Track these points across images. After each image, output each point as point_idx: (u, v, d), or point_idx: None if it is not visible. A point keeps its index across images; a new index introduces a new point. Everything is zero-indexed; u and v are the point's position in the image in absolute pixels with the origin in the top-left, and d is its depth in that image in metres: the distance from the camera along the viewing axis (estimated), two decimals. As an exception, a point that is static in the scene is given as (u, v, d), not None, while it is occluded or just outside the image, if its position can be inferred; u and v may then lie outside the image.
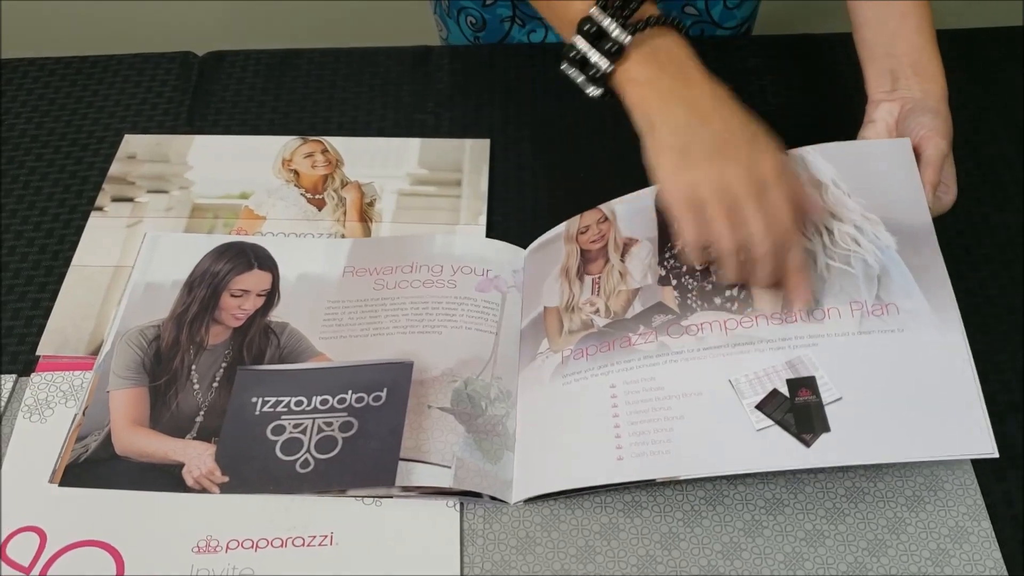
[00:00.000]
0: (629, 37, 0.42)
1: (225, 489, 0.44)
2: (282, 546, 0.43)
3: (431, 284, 0.52)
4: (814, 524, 0.44)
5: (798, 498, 0.45)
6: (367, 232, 0.57)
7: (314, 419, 0.46)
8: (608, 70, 0.42)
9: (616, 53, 0.42)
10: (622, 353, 0.46)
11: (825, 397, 0.41)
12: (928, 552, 0.43)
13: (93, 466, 0.45)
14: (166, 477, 0.45)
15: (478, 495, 0.44)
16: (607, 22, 0.41)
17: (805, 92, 0.64)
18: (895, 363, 0.42)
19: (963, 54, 0.65)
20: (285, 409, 0.47)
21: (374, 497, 0.44)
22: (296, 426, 0.46)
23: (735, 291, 0.45)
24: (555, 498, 0.45)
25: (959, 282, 0.52)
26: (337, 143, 0.62)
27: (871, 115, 0.51)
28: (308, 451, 0.45)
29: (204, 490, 0.44)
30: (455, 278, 0.52)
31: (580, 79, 0.43)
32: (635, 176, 0.59)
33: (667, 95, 0.41)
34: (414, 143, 0.62)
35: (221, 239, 0.55)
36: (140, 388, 0.48)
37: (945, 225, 0.50)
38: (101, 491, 0.44)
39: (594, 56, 0.42)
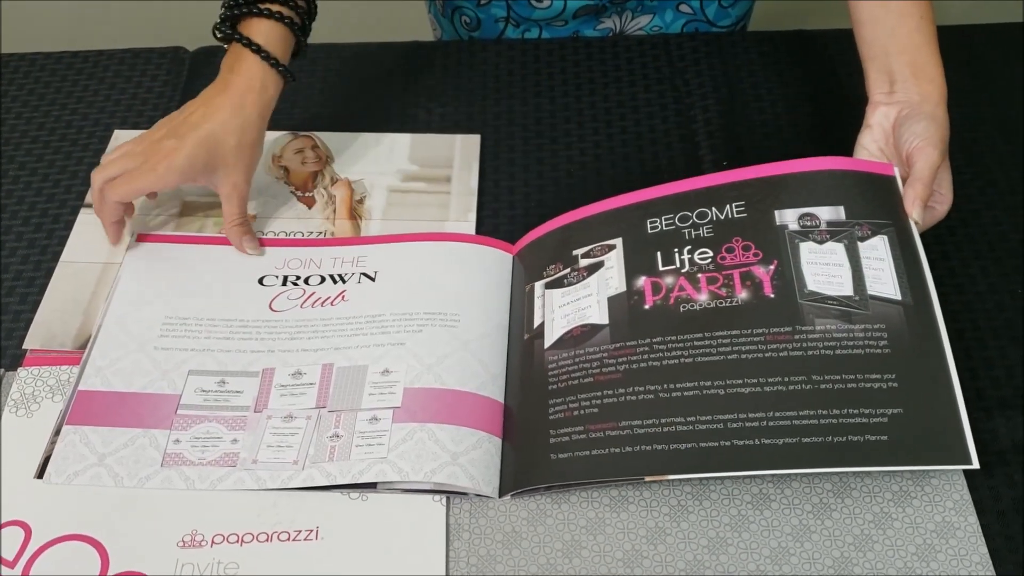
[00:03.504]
0: (220, 35, 0.53)
1: None
2: (267, 541, 0.43)
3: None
4: (800, 519, 0.44)
5: (784, 493, 0.45)
6: (356, 230, 0.57)
7: None
8: (224, 46, 0.54)
9: (224, 39, 0.53)
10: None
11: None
12: (914, 547, 0.43)
13: (79, 461, 0.45)
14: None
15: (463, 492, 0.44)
16: (221, 11, 0.53)
17: (800, 88, 0.64)
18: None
19: (960, 51, 0.65)
20: None
21: (360, 492, 0.44)
22: None
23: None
24: (541, 493, 0.45)
25: (949, 279, 0.53)
26: (327, 139, 0.61)
27: (869, 119, 0.51)
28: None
29: None
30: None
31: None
32: (628, 171, 0.60)
33: (211, 84, 0.53)
34: (404, 139, 0.61)
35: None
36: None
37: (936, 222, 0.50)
38: (87, 486, 0.44)
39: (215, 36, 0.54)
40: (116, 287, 0.52)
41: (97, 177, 0.51)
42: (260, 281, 0.53)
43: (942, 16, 0.53)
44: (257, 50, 0.52)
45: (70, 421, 0.46)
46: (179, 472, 0.45)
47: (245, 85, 0.51)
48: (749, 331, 0.44)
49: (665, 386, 0.44)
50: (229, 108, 0.51)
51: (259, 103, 0.52)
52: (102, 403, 0.47)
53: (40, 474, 0.45)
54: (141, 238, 0.55)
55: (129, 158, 0.51)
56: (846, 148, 0.52)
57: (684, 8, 0.70)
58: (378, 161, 0.60)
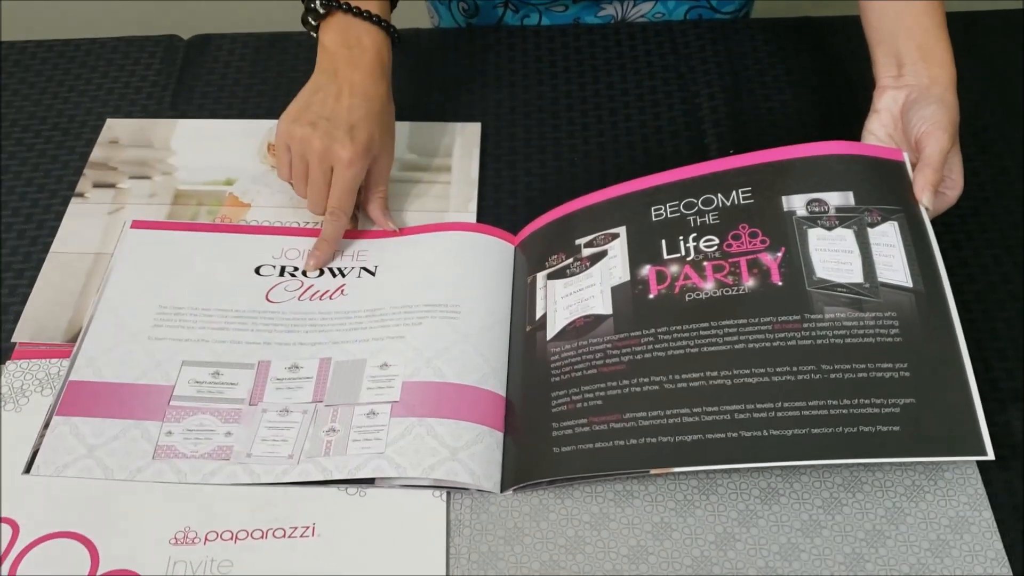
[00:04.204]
0: (324, 10, 0.51)
1: None
2: (262, 538, 0.42)
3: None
4: (810, 514, 0.43)
5: (794, 487, 0.43)
6: (355, 220, 0.55)
7: None
8: (314, 24, 0.52)
9: (318, 15, 0.51)
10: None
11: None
12: (928, 543, 0.42)
13: (70, 456, 0.44)
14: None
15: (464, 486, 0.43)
16: None
17: (806, 76, 0.63)
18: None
19: (965, 37, 0.63)
20: None
21: (358, 487, 0.43)
22: None
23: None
24: (544, 488, 0.44)
25: (961, 268, 0.52)
26: (324, 128, 0.60)
27: (876, 104, 0.50)
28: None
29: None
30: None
31: (303, 19, 0.52)
32: (632, 160, 0.59)
33: (328, 65, 0.51)
34: (403, 127, 0.60)
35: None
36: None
37: (947, 210, 0.49)
38: (76, 482, 0.43)
39: (311, 10, 0.52)
40: (109, 276, 0.51)
41: (320, 200, 0.50)
42: (256, 271, 0.52)
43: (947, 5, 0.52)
44: (377, 21, 0.51)
45: (60, 412, 0.45)
46: (171, 465, 0.44)
47: (374, 57, 0.51)
48: (757, 320, 0.43)
49: (670, 377, 0.43)
50: (372, 82, 0.50)
51: (388, 72, 0.52)
52: (93, 394, 0.46)
53: (28, 469, 0.44)
54: (136, 225, 0.54)
55: (308, 165, 0.49)
56: (852, 136, 0.51)
57: (687, -6, 0.69)
58: (376, 150, 0.59)
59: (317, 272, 0.52)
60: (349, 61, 0.50)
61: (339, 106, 0.49)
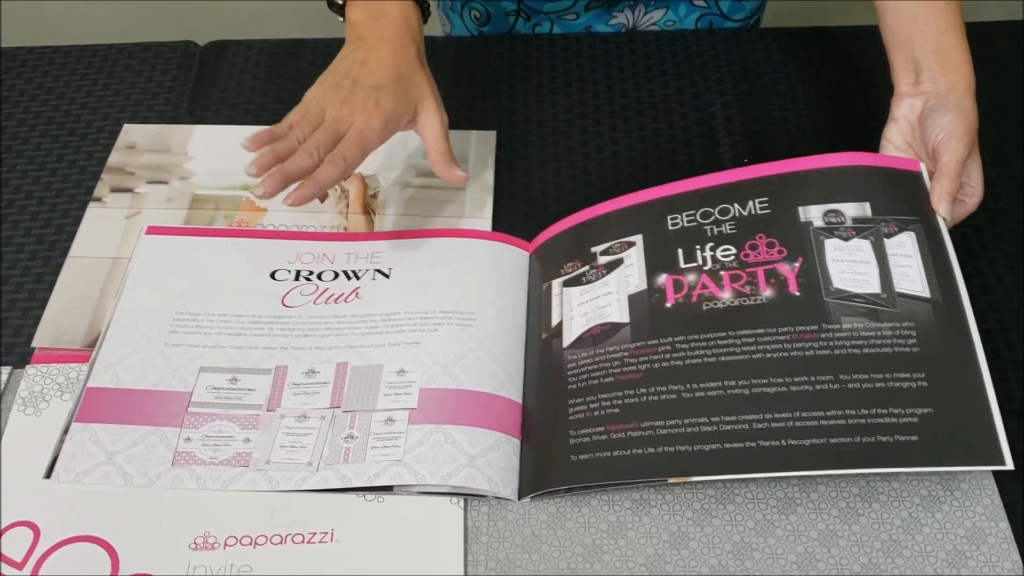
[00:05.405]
0: None
1: None
2: (281, 543, 0.42)
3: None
4: (827, 524, 0.43)
5: (811, 497, 0.43)
6: (370, 225, 0.56)
7: None
8: (340, 4, 0.53)
9: None
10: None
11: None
12: (944, 553, 0.42)
13: (89, 460, 0.44)
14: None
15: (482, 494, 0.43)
16: None
17: (820, 85, 0.63)
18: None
19: (978, 47, 0.63)
20: None
21: (376, 493, 0.43)
22: None
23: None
24: (561, 495, 0.44)
25: (976, 278, 0.52)
26: (340, 134, 0.60)
27: (894, 112, 0.50)
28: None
29: None
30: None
31: (329, 3, 0.54)
32: (646, 168, 0.59)
33: (355, 36, 0.51)
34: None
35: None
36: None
37: (962, 220, 0.49)
38: (97, 486, 0.43)
39: None
40: (126, 282, 0.51)
41: (310, 150, 0.47)
42: (272, 275, 0.52)
43: (966, 14, 0.52)
44: None
45: (79, 418, 0.45)
46: (190, 471, 0.44)
47: (401, 24, 0.51)
48: (774, 330, 0.43)
49: (688, 386, 0.43)
50: (401, 48, 0.50)
51: (417, 38, 0.52)
52: (112, 400, 0.46)
53: (48, 474, 0.44)
54: (151, 231, 0.54)
55: (329, 127, 0.48)
56: (867, 146, 0.51)
57: (698, 2, 0.69)
58: (391, 156, 0.59)
59: (332, 275, 0.52)
60: (375, 30, 0.51)
61: (364, 70, 0.49)
